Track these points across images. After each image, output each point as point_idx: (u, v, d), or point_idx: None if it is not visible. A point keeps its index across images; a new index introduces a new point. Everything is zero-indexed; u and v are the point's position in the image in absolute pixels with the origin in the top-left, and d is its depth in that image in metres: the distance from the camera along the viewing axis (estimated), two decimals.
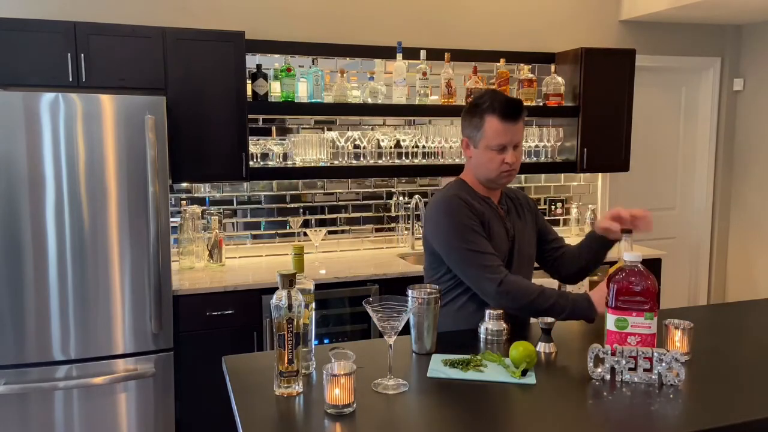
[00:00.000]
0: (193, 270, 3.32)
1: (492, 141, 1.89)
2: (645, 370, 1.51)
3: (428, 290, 1.70)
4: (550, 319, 1.76)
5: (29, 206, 2.60)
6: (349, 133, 3.52)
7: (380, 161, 3.62)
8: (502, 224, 1.99)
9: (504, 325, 1.82)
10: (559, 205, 4.23)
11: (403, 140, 3.62)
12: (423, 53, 3.57)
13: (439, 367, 1.61)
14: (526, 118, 4.04)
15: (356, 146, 3.57)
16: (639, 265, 1.60)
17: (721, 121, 4.62)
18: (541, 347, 1.74)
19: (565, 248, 2.16)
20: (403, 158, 3.67)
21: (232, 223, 3.59)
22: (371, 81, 3.57)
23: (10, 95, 2.56)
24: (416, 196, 3.83)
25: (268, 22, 3.53)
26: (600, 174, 4.29)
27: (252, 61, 3.40)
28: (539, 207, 4.17)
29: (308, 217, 3.70)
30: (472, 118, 1.93)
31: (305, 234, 3.68)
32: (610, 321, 1.60)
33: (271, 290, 2.92)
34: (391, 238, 3.87)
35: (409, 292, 1.68)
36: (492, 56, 3.86)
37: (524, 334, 1.90)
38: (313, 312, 1.58)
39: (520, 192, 2.18)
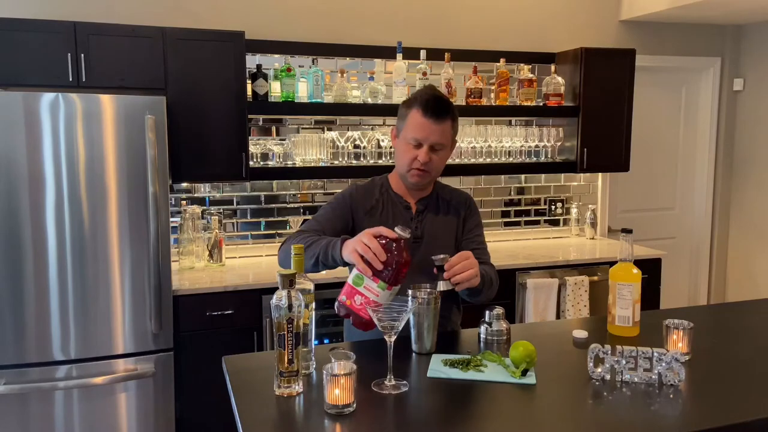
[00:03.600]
0: (193, 270, 3.32)
1: (409, 133, 1.87)
2: (645, 370, 1.51)
3: (428, 290, 1.70)
4: (442, 255, 1.71)
5: (29, 206, 2.60)
6: (349, 133, 3.52)
7: (380, 161, 3.61)
8: (408, 224, 1.93)
9: (504, 325, 1.82)
10: (559, 205, 4.23)
11: None
12: (423, 53, 3.57)
13: (439, 367, 1.61)
14: (526, 118, 4.07)
15: (356, 146, 3.57)
16: (406, 238, 1.61)
17: (721, 121, 4.62)
18: (442, 286, 1.70)
19: None
20: None
21: (232, 223, 3.59)
22: (371, 81, 3.57)
23: (10, 95, 2.56)
24: None
25: (268, 22, 3.53)
26: (600, 174, 4.29)
27: (252, 61, 3.40)
28: (539, 207, 4.18)
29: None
30: (402, 108, 1.93)
31: None
32: (352, 274, 1.63)
33: (271, 290, 2.93)
34: None
35: (409, 292, 1.68)
36: (492, 56, 3.86)
37: (524, 334, 1.90)
38: (313, 312, 1.58)
39: (462, 194, 2.07)
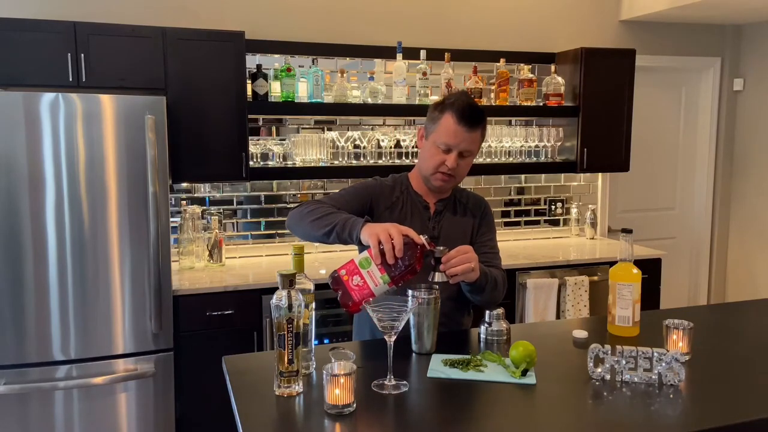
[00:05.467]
0: (193, 270, 3.32)
1: (440, 138, 1.86)
2: (645, 370, 1.51)
3: (428, 290, 1.70)
4: (441, 248, 1.71)
5: (29, 206, 2.60)
6: (349, 133, 3.52)
7: (380, 161, 3.61)
8: (425, 224, 1.94)
9: (504, 325, 1.82)
10: (559, 205, 4.23)
11: (403, 140, 3.62)
12: (423, 53, 3.57)
13: (439, 367, 1.61)
14: (526, 118, 4.07)
15: (356, 146, 3.57)
16: (428, 249, 1.63)
17: (721, 121, 4.62)
18: (437, 277, 1.71)
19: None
20: (404, 158, 3.67)
21: (232, 223, 3.59)
22: (371, 81, 3.57)
23: (10, 95, 2.56)
24: None
25: (268, 22, 3.53)
26: (600, 174, 4.29)
27: (252, 61, 3.40)
28: (539, 207, 4.18)
29: None
30: (434, 111, 1.92)
31: None
32: (361, 255, 1.63)
33: (271, 290, 2.92)
34: None
35: (409, 292, 1.68)
36: (492, 56, 3.86)
37: (524, 334, 1.90)
38: (313, 312, 1.58)
39: (478, 198, 2.08)
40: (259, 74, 3.31)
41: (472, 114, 1.85)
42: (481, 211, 2.04)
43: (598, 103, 3.84)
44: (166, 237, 2.80)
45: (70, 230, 2.66)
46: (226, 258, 3.50)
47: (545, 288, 3.49)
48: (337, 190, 2.01)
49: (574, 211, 4.23)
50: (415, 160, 3.63)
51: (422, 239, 1.63)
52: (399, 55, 3.52)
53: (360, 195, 1.94)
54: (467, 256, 1.71)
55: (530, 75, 3.81)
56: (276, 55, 3.52)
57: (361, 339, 1.98)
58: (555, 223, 4.25)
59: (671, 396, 1.44)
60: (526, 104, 3.79)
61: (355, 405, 1.36)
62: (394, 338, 1.50)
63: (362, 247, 1.73)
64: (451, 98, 1.90)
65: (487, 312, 1.83)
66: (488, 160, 3.79)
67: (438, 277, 1.71)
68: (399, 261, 1.59)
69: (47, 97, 2.59)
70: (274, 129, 3.59)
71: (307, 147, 3.44)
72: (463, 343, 1.84)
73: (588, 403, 1.43)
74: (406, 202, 1.97)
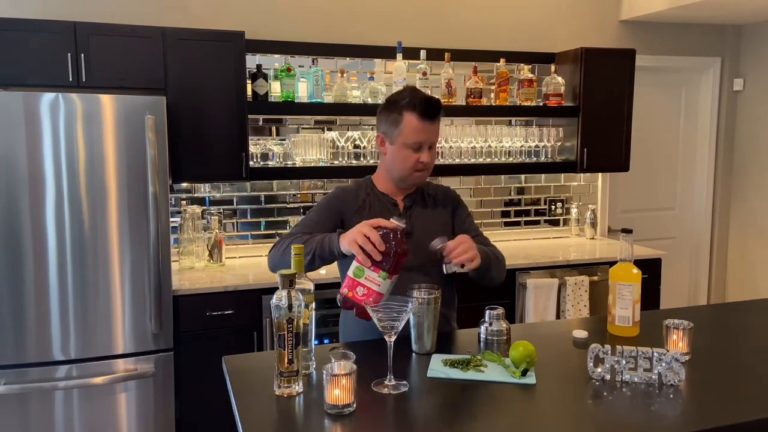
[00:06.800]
0: (193, 270, 3.32)
1: (409, 138, 1.87)
2: (645, 370, 1.51)
3: (428, 290, 1.70)
4: (439, 242, 1.75)
5: (29, 206, 2.60)
6: (349, 133, 3.52)
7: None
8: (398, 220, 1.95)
9: (504, 325, 1.82)
10: (559, 205, 4.23)
11: None
12: (423, 53, 3.57)
13: (439, 367, 1.61)
14: (526, 118, 4.07)
15: (356, 146, 3.57)
16: (402, 228, 1.65)
17: (721, 121, 4.62)
18: (449, 268, 1.76)
19: None
20: None
21: (232, 223, 3.59)
22: (371, 81, 3.57)
23: (10, 95, 2.56)
24: None
25: (268, 22, 3.53)
26: (600, 174, 4.29)
27: (252, 61, 3.40)
28: (539, 207, 4.18)
29: None
30: (390, 114, 1.91)
31: None
32: (352, 266, 1.65)
33: (271, 290, 2.93)
34: None
35: (409, 292, 1.68)
36: (492, 56, 3.86)
37: (524, 334, 1.90)
38: (313, 312, 1.58)
39: (444, 188, 2.10)
40: (259, 74, 3.31)
41: (432, 108, 1.88)
42: (452, 202, 2.08)
43: (598, 103, 3.84)
44: (166, 237, 2.80)
45: (70, 230, 2.66)
46: (226, 258, 3.50)
47: (545, 288, 3.49)
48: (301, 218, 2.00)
49: (574, 211, 4.23)
50: None
51: (394, 222, 1.66)
52: (399, 55, 3.52)
53: (328, 211, 1.96)
54: (467, 245, 1.75)
55: (530, 75, 3.81)
56: (276, 55, 3.52)
57: (347, 340, 1.98)
58: (555, 223, 4.25)
59: (671, 396, 1.44)
60: (526, 104, 3.79)
61: (355, 405, 1.36)
62: (394, 338, 1.50)
63: (349, 259, 1.74)
64: (404, 98, 1.89)
65: (487, 312, 1.83)
66: (488, 160, 3.78)
67: (449, 268, 1.76)
68: (385, 254, 1.62)
69: (47, 97, 2.59)
70: (274, 129, 3.59)
71: (307, 147, 3.44)
72: (463, 343, 1.84)
73: (588, 403, 1.43)
74: (374, 202, 1.99)
